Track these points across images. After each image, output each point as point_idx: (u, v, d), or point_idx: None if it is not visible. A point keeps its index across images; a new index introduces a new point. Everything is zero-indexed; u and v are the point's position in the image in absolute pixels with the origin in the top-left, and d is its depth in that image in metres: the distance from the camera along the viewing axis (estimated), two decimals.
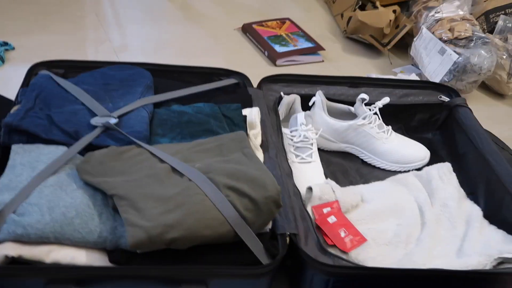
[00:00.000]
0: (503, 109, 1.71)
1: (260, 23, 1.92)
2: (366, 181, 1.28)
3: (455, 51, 1.62)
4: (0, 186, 0.93)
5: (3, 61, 1.54)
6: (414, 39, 1.75)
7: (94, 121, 1.08)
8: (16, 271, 0.84)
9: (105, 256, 0.89)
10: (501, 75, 1.70)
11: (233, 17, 2.00)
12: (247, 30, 1.88)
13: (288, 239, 0.97)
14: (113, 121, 1.08)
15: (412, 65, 1.83)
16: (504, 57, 1.69)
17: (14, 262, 0.85)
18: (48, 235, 0.86)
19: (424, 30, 1.71)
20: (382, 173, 1.33)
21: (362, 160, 1.36)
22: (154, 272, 0.87)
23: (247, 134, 1.13)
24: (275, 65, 1.74)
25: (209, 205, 0.90)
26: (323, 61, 1.81)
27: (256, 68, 1.68)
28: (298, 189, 1.11)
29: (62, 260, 0.86)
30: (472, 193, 1.23)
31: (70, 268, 0.86)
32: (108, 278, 0.86)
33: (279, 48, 1.78)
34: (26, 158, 0.99)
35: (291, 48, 1.79)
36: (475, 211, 1.17)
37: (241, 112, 1.18)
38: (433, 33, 1.69)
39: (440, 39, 1.66)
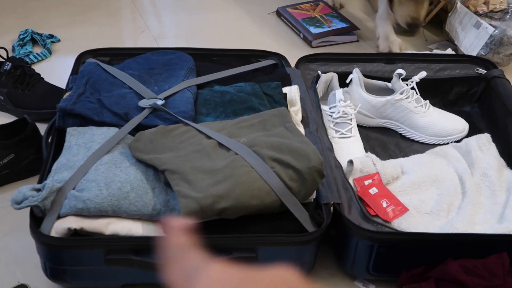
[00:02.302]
0: None
1: (294, 6, 1.94)
2: (405, 154, 1.29)
3: (490, 24, 1.61)
4: (59, 166, 0.99)
5: (50, 53, 1.61)
6: (449, 14, 1.75)
7: (142, 103, 1.13)
8: (79, 243, 0.90)
9: (159, 228, 0.94)
10: None
11: (267, 1, 2.02)
12: (282, 13, 1.91)
13: (332, 208, 1.01)
14: (160, 102, 1.13)
15: (447, 40, 1.82)
16: None
17: (76, 234, 0.91)
18: (106, 209, 0.92)
19: (459, 4, 1.71)
20: (421, 147, 1.34)
21: (401, 134, 1.37)
22: (207, 241, 0.91)
23: (288, 111, 1.16)
24: (311, 46, 1.76)
25: (256, 176, 0.94)
26: (358, 40, 1.83)
27: (292, 50, 1.70)
28: (339, 162, 1.14)
29: (120, 231, 0.92)
30: None
31: (128, 238, 0.92)
32: None
33: (314, 30, 1.80)
34: (81, 139, 1.05)
35: (326, 29, 1.81)
36: None
37: (281, 90, 1.20)
38: (467, 7, 1.68)
39: (475, 13, 1.66)
